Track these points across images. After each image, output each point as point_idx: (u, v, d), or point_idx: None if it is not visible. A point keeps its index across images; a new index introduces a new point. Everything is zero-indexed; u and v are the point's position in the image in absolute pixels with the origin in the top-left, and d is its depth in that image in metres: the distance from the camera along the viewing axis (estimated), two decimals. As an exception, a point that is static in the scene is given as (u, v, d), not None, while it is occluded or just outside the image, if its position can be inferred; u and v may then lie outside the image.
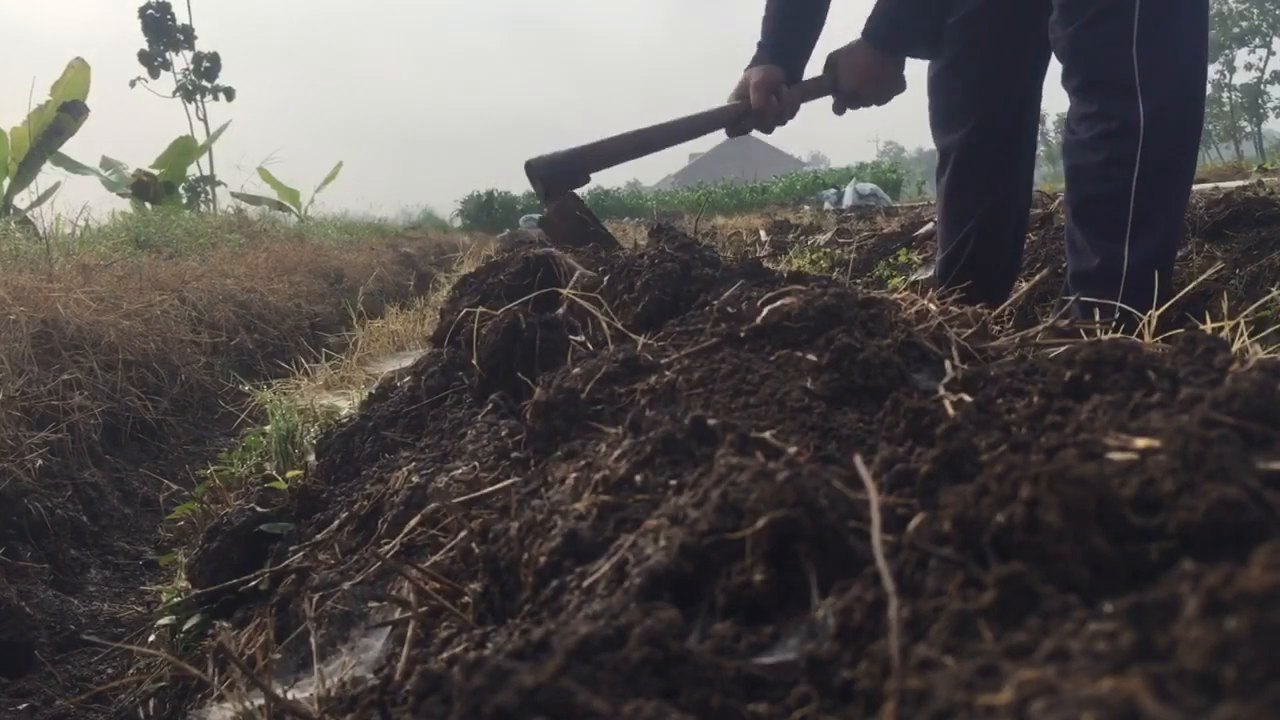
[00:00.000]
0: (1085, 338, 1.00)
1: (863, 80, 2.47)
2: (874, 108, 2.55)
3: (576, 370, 1.21)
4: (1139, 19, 2.08)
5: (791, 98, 2.51)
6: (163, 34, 14.67)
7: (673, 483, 0.81)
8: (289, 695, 1.01)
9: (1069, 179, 2.26)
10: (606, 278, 1.62)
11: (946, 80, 2.67)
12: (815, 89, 2.55)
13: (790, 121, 2.57)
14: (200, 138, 13.62)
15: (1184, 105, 2.15)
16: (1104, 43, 2.13)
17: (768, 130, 2.58)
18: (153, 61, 14.65)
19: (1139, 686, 0.38)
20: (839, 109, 2.60)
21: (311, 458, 2.12)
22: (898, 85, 2.55)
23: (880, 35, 2.41)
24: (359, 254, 9.71)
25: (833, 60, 2.51)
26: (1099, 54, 2.16)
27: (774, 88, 2.47)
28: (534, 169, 2.50)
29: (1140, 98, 2.09)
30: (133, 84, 14.55)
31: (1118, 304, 1.65)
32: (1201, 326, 1.28)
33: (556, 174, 2.50)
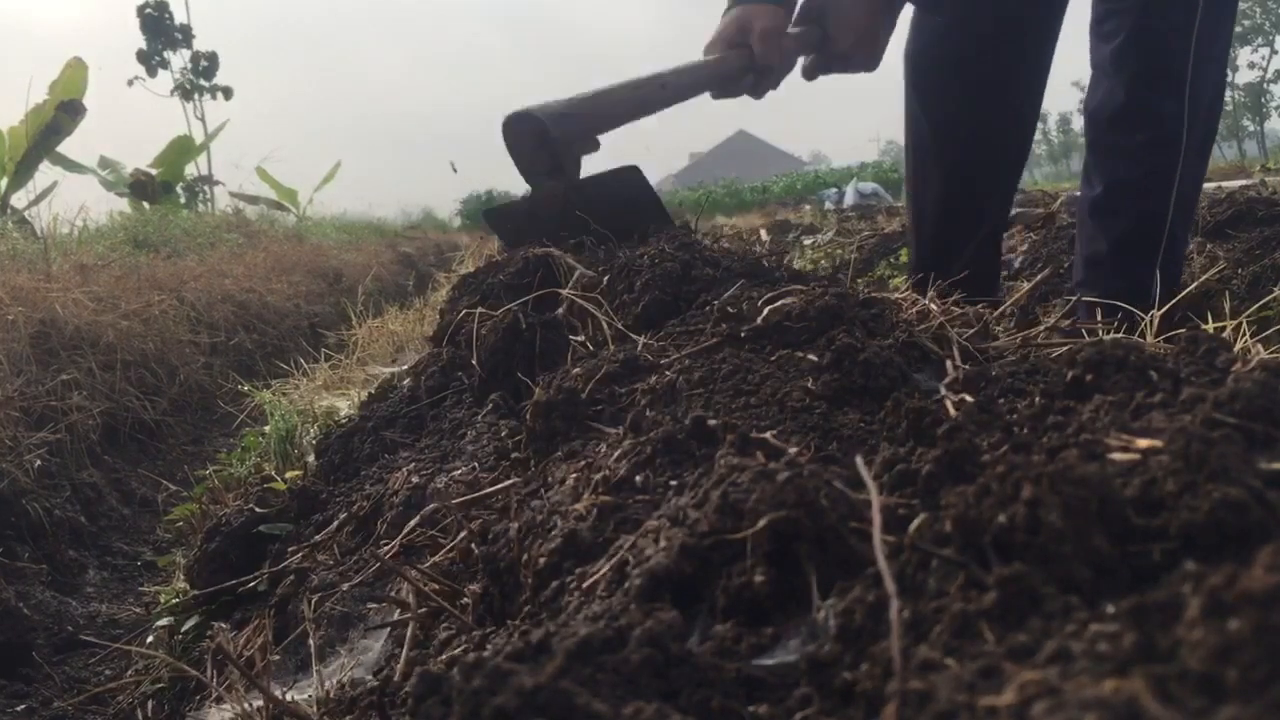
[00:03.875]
0: (1087, 338, 1.00)
1: (859, 40, 2.04)
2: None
3: (576, 370, 1.21)
4: (1202, 7, 1.94)
5: (790, 48, 2.00)
6: (160, 33, 14.66)
7: (673, 483, 0.81)
8: (288, 697, 1.01)
9: (1107, 189, 2.04)
10: (606, 278, 1.62)
11: (955, 86, 2.26)
12: (801, 43, 2.04)
13: (783, 82, 2.05)
14: (198, 137, 13.62)
15: (1217, 103, 2.06)
16: (1169, 28, 1.96)
17: (761, 94, 2.03)
18: (150, 60, 14.64)
19: (1141, 688, 0.38)
20: (816, 73, 2.11)
21: (311, 458, 2.11)
22: (884, 48, 2.13)
23: None
24: (358, 254, 9.71)
25: (819, 10, 2.04)
26: (1162, 42, 1.97)
27: (780, 36, 1.96)
28: (534, 122, 1.76)
29: (1188, 95, 1.97)
30: (130, 83, 14.55)
31: (1119, 305, 1.64)
32: (1204, 326, 1.28)
33: (570, 134, 1.78)
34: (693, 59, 2.01)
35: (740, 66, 1.95)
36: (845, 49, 2.05)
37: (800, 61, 2.08)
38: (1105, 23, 2.05)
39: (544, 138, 1.76)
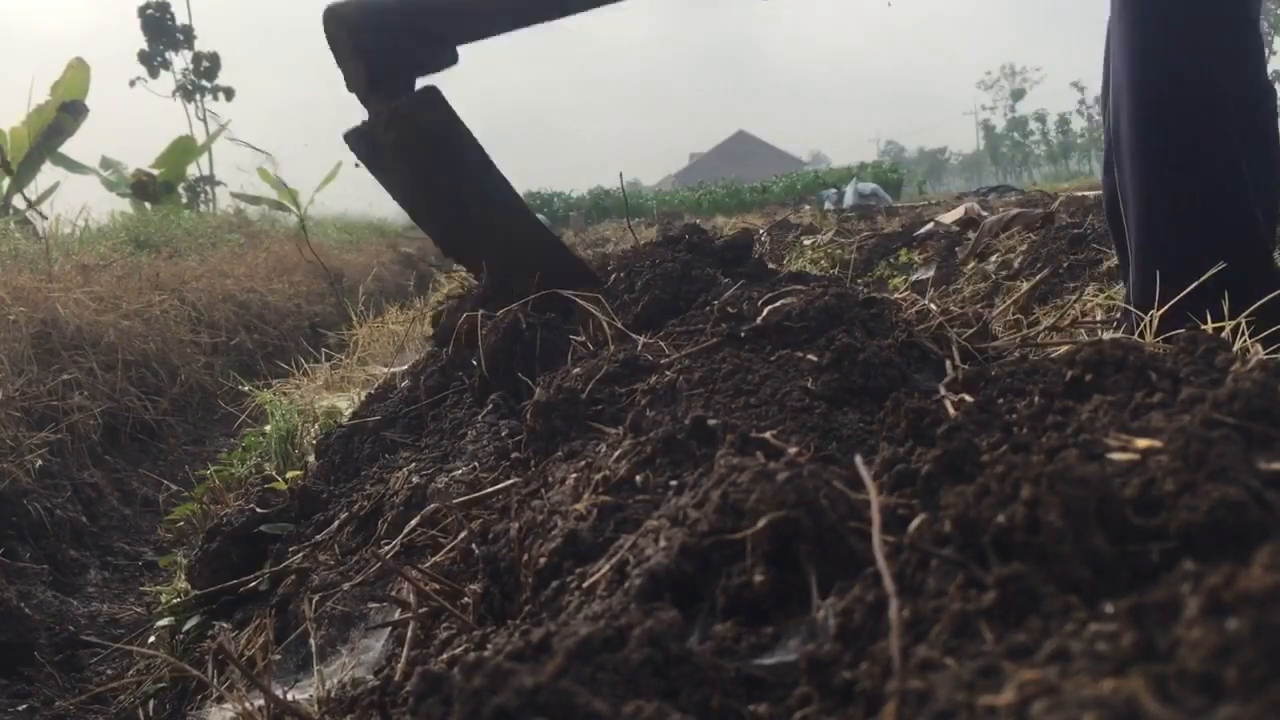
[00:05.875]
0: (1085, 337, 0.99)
1: None
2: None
3: (577, 370, 1.21)
4: None
5: None
6: (162, 34, 14.67)
7: (673, 483, 0.81)
8: (289, 696, 1.01)
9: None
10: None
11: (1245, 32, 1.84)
12: None
13: None
14: (200, 137, 13.61)
15: None
16: None
17: None
18: (152, 61, 14.65)
19: (1140, 687, 0.38)
20: None
21: (311, 458, 2.11)
22: None
23: None
24: (359, 254, 9.72)
25: None
26: None
27: None
28: (346, 20, 1.27)
29: None
30: (132, 84, 14.56)
31: (1126, 306, 1.62)
32: (1202, 326, 1.28)
33: (394, 36, 1.29)
34: None
35: None
36: None
37: None
38: None
39: (357, 42, 1.30)
